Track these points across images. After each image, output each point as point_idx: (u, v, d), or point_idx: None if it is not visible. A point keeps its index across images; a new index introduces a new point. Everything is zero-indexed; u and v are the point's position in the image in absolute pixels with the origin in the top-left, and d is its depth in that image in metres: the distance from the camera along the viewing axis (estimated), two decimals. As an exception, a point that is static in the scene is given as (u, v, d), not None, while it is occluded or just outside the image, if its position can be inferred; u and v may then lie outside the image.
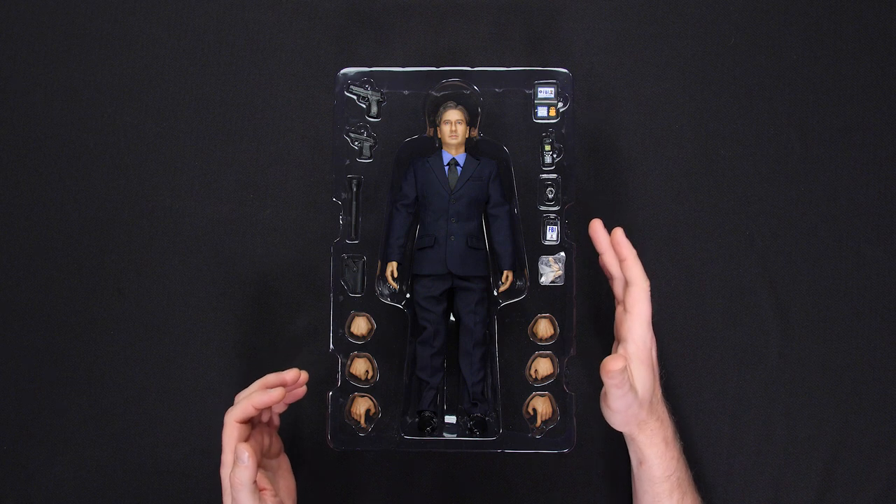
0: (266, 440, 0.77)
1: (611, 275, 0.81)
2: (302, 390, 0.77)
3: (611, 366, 0.71)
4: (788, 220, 0.89)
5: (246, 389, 0.75)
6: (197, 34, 0.91)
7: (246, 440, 0.73)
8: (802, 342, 0.88)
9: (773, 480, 0.88)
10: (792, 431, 0.88)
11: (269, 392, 0.73)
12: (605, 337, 0.88)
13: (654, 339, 0.78)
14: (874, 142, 0.89)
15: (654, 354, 0.78)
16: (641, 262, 0.78)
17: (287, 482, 0.79)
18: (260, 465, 0.75)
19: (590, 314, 0.88)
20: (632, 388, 0.74)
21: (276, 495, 0.75)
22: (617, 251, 0.79)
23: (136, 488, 0.88)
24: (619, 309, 0.80)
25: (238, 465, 0.69)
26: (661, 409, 0.79)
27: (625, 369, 0.71)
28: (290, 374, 0.75)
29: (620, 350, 0.77)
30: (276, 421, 0.80)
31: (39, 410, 0.88)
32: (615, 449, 0.87)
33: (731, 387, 0.88)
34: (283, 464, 0.80)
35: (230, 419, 0.73)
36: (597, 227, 0.80)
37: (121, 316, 0.89)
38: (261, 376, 0.75)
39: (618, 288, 0.81)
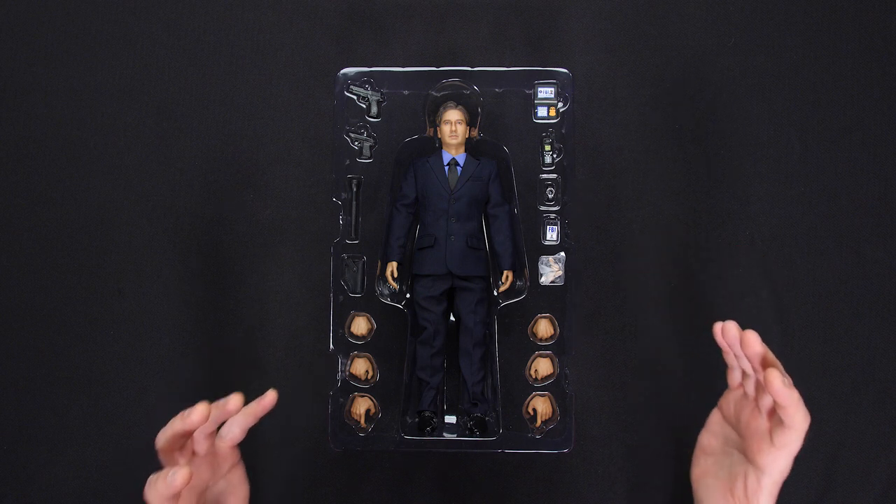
0: (206, 474, 0.71)
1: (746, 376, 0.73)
2: (270, 402, 0.69)
3: None
4: (788, 220, 0.89)
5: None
6: (197, 34, 0.91)
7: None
8: (802, 342, 0.88)
9: (773, 480, 0.88)
10: (792, 431, 0.88)
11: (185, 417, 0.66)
12: (605, 337, 0.88)
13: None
14: (874, 142, 0.89)
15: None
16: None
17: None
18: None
19: (590, 314, 0.88)
20: None
21: None
22: (773, 393, 0.66)
23: (137, 488, 0.88)
24: (736, 393, 0.74)
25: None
26: None
27: None
28: (232, 401, 0.66)
29: (754, 479, 0.72)
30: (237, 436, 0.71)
31: (39, 410, 0.88)
32: (615, 449, 0.87)
33: (731, 387, 0.88)
34: (236, 476, 0.74)
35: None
36: (730, 333, 0.68)
37: (121, 316, 0.89)
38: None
39: (749, 386, 0.73)
